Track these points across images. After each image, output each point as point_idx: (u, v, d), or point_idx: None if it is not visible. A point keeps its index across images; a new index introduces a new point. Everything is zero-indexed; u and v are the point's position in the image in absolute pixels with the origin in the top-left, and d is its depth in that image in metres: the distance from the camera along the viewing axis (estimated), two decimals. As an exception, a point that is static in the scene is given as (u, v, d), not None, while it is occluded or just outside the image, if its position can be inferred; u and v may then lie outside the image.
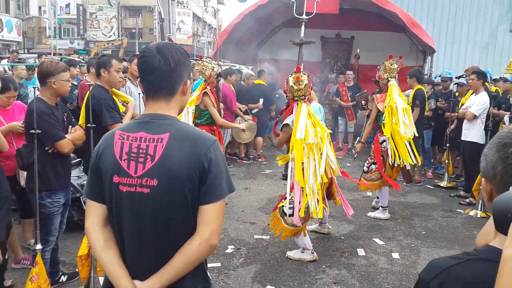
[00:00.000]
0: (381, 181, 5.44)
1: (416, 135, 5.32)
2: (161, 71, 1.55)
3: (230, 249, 4.53)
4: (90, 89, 3.48)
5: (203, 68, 5.59)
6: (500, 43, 14.81)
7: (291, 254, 4.37)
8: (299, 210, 4.04)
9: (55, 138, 3.11)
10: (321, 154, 4.08)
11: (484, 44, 14.81)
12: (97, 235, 1.60)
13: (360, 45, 10.84)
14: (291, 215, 4.15)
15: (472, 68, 6.74)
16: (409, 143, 5.21)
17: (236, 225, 5.21)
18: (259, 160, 8.73)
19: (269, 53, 12.03)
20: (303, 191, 4.06)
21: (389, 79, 5.39)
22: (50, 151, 3.14)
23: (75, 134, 3.30)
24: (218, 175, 1.54)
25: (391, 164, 5.31)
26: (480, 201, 5.86)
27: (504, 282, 0.82)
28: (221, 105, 6.62)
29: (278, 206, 4.29)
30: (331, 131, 4.52)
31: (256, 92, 8.59)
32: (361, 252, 4.58)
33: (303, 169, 4.03)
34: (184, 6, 39.44)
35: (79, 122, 3.60)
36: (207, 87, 5.57)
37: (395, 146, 5.21)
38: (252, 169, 8.03)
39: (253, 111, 8.51)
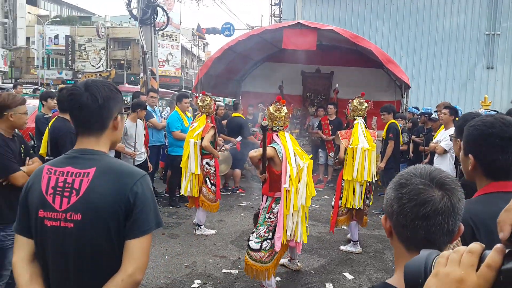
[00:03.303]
0: (347, 216, 5.44)
1: (370, 179, 5.35)
2: (89, 108, 1.57)
3: (196, 283, 4.45)
4: (53, 120, 3.48)
5: (205, 103, 5.95)
6: (478, 80, 15.22)
7: None
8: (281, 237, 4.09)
9: (8, 171, 3.08)
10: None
11: (463, 81, 15.21)
12: (23, 270, 1.58)
13: (339, 80, 11.06)
14: (259, 250, 4.10)
15: (443, 104, 6.91)
16: (361, 186, 5.31)
17: (206, 259, 5.13)
18: (237, 192, 8.70)
19: (251, 87, 12.22)
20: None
21: (355, 117, 5.46)
22: (4, 183, 3.10)
23: (31, 165, 3.27)
24: (144, 210, 1.54)
25: (344, 205, 5.39)
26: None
27: None
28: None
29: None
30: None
31: (233, 125, 8.67)
32: (329, 287, 4.52)
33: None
34: (173, 39, 40.05)
35: (40, 152, 3.57)
36: (208, 120, 5.98)
37: (350, 188, 5.30)
38: (229, 201, 7.99)
39: (229, 145, 8.53)
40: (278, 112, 4.27)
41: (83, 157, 1.59)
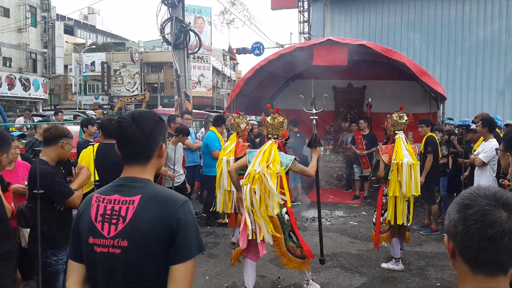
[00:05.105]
0: (389, 233, 5.33)
1: (418, 194, 5.29)
2: (137, 140, 1.65)
3: (237, 304, 4.46)
4: (95, 147, 3.62)
5: (238, 122, 6.12)
6: (516, 88, 14.74)
7: None
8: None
9: (67, 196, 3.24)
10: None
11: (500, 90, 14.78)
12: None
13: (372, 94, 10.94)
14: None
15: (481, 115, 6.70)
16: (408, 202, 5.24)
17: (246, 279, 5.12)
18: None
19: (282, 104, 12.25)
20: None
21: (396, 132, 5.42)
22: (62, 208, 3.25)
23: (80, 176, 3.42)
24: (187, 236, 1.58)
25: (387, 220, 5.31)
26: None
27: None
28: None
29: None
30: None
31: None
32: (372, 306, 4.43)
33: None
34: (204, 61, 40.90)
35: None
36: (239, 139, 6.08)
37: (395, 204, 5.22)
38: (266, 220, 7.96)
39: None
40: (272, 120, 4.50)
41: (129, 185, 1.66)
